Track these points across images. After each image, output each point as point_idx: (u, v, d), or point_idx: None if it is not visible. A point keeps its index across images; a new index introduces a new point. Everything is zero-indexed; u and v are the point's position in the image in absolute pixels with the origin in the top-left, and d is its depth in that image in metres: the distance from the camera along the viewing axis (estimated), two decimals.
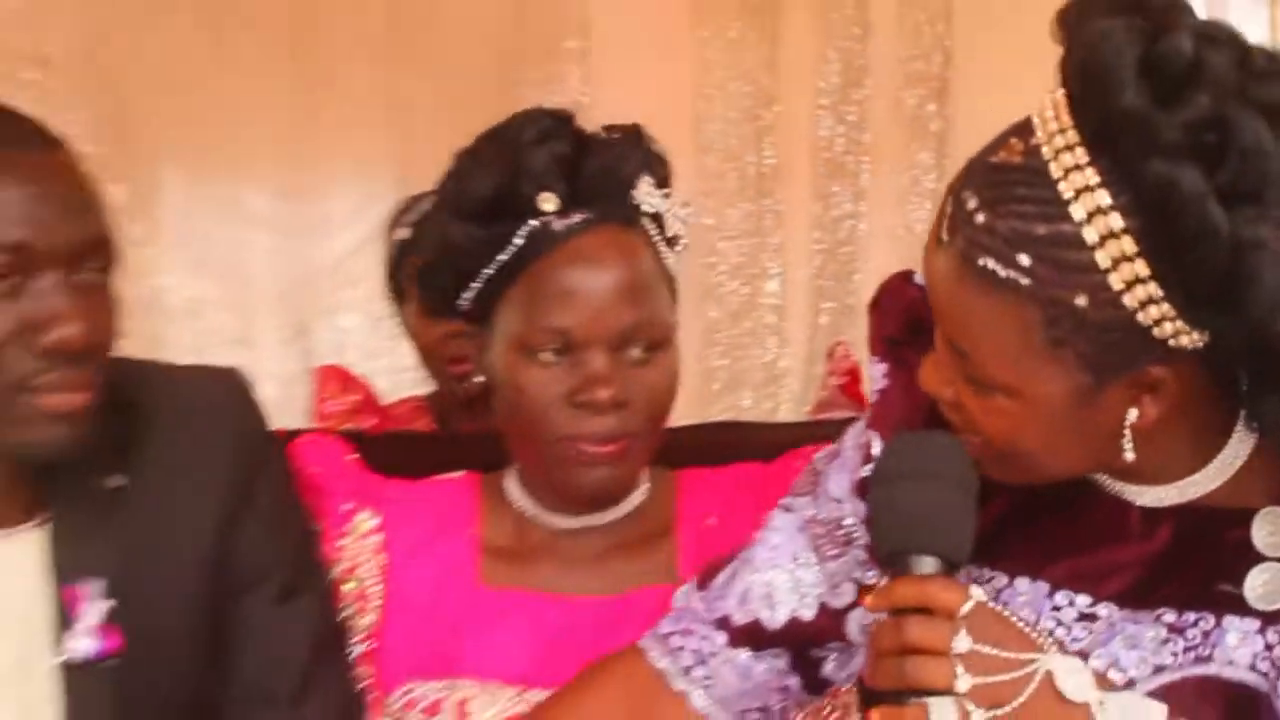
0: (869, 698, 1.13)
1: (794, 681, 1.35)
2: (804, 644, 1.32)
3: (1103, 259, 0.99)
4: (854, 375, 3.25)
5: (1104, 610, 1.16)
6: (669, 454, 1.53)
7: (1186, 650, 1.13)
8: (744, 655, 1.33)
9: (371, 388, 2.92)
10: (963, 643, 1.01)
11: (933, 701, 1.01)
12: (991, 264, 1.02)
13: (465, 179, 1.46)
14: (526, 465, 1.53)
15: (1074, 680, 1.05)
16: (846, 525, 1.34)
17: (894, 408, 1.31)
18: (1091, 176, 0.99)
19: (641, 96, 3.54)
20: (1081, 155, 1.01)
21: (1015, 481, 1.18)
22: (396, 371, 3.63)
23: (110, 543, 1.34)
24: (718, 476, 1.57)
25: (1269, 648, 1.11)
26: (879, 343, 1.36)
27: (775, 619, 1.32)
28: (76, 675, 1.31)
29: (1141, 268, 0.99)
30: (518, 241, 1.39)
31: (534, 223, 1.39)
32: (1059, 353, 1.04)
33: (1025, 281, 1.01)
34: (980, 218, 1.04)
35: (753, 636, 1.32)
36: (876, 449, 1.30)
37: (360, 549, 1.52)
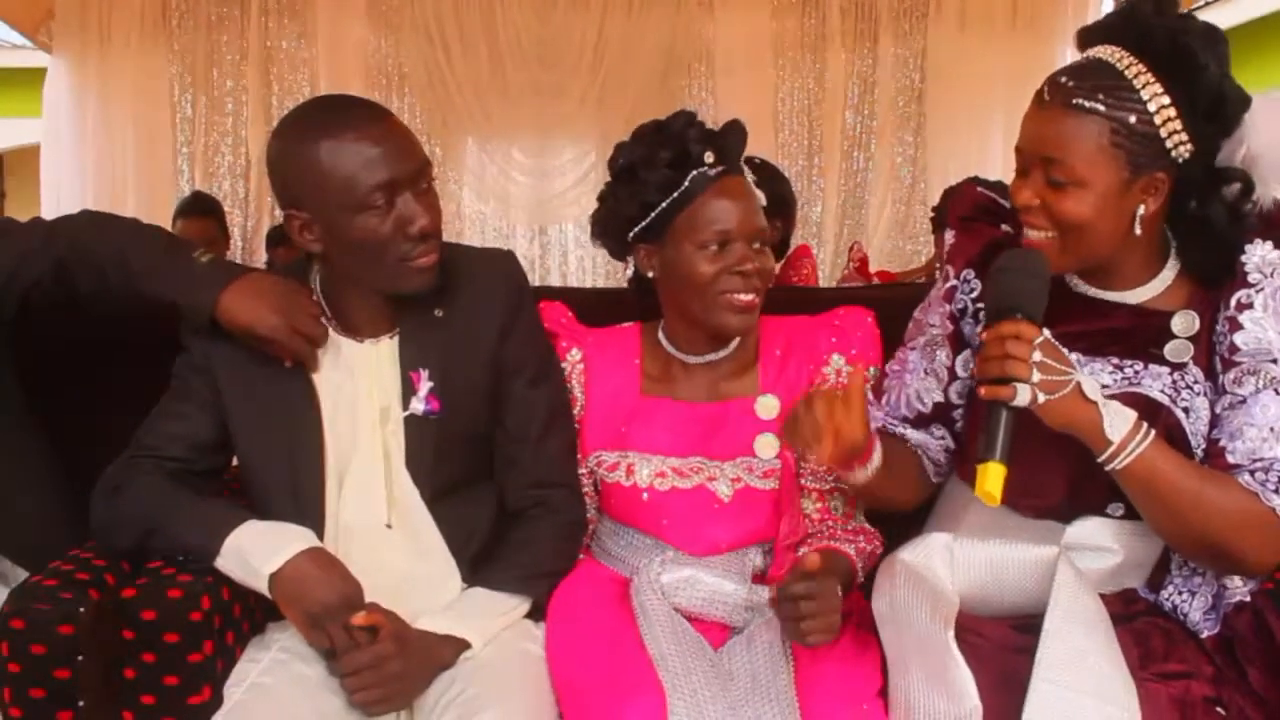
0: (980, 383, 1.50)
1: (950, 442, 1.78)
2: (945, 414, 1.76)
3: (1145, 94, 1.48)
4: (864, 262, 4.83)
5: (1076, 356, 1.55)
6: (770, 307, 1.86)
7: (1123, 379, 1.57)
8: (920, 432, 1.78)
9: None
10: (1036, 355, 1.45)
11: (1019, 386, 1.44)
12: (1083, 101, 1.48)
13: (650, 149, 1.80)
14: (675, 320, 1.87)
15: (1090, 387, 1.47)
16: (937, 339, 1.77)
17: (960, 253, 1.77)
18: (1130, 59, 1.50)
19: (741, 98, 5.27)
20: (1124, 54, 1.50)
21: (1070, 266, 1.59)
22: (589, 256, 5.77)
23: (434, 347, 1.73)
24: (784, 323, 1.91)
25: (1174, 383, 1.56)
26: (954, 220, 1.81)
27: (927, 406, 1.76)
28: (414, 423, 1.72)
29: (1165, 99, 1.47)
30: (687, 183, 1.76)
31: (696, 172, 1.76)
32: (1116, 152, 1.48)
33: (1102, 108, 1.48)
34: (1072, 84, 1.50)
35: (920, 420, 1.77)
36: (951, 276, 1.78)
37: (573, 369, 1.92)
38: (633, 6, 5.41)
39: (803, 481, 1.83)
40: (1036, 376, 1.45)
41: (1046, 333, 1.48)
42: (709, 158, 1.76)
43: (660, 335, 1.92)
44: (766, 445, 1.81)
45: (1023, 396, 1.45)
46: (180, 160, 5.49)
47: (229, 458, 1.81)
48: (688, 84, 5.51)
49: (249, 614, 1.72)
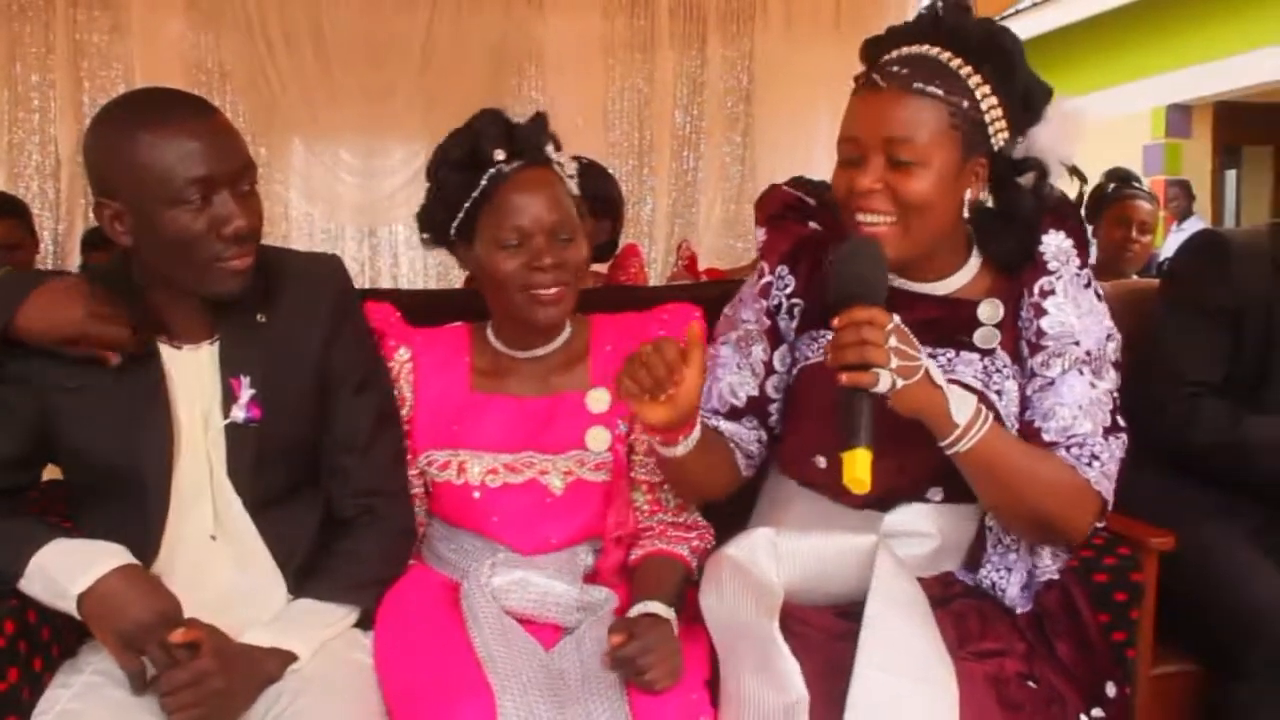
0: (840, 370, 1.47)
1: (763, 434, 1.81)
2: (759, 407, 1.78)
3: (971, 84, 1.58)
4: (692, 260, 4.78)
5: None
6: (584, 305, 1.89)
7: (939, 367, 1.59)
8: (732, 423, 1.80)
9: None
10: (891, 340, 1.46)
11: (880, 372, 1.45)
12: (923, 85, 1.56)
13: (449, 153, 1.81)
14: (499, 318, 1.89)
15: (936, 372, 1.52)
16: (752, 334, 1.80)
17: (772, 249, 1.81)
18: (949, 55, 1.59)
19: (571, 98, 5.20)
20: (943, 52, 1.60)
21: (908, 251, 1.62)
22: (421, 258, 5.64)
23: (256, 354, 1.70)
24: (614, 320, 1.94)
25: (985, 369, 1.65)
26: (763, 218, 1.85)
27: (740, 400, 1.79)
28: (234, 431, 1.68)
29: (987, 88, 1.58)
30: (484, 181, 1.76)
31: (492, 169, 1.75)
32: (954, 134, 1.57)
33: (939, 92, 1.56)
34: (907, 71, 1.57)
35: (734, 413, 1.80)
36: (766, 271, 1.81)
37: (401, 369, 1.90)
38: (461, 6, 5.30)
39: (634, 474, 1.85)
40: (895, 362, 1.46)
41: (896, 319, 1.50)
42: (499, 155, 1.75)
43: (489, 332, 1.92)
44: (598, 438, 1.82)
45: (884, 382, 1.46)
46: None
47: (36, 475, 1.73)
48: (518, 84, 5.42)
49: (59, 637, 1.64)
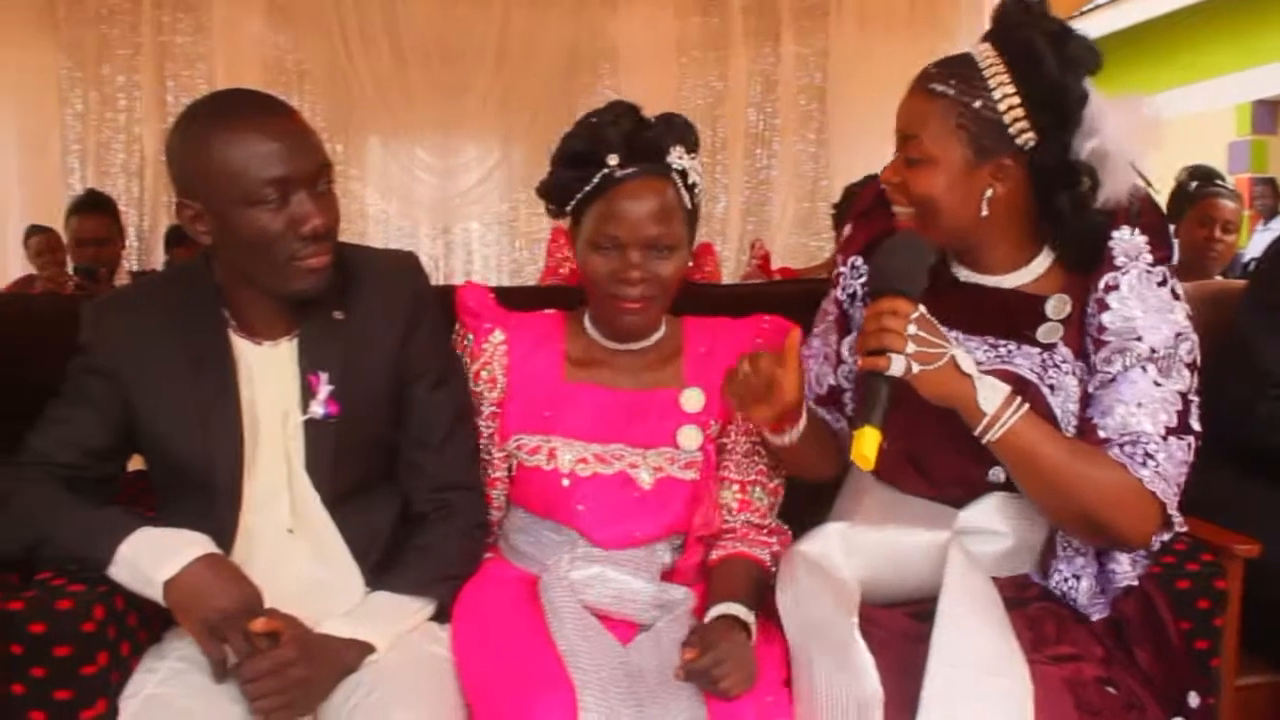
0: (859, 354, 1.57)
1: (844, 424, 1.85)
2: (837, 398, 1.86)
3: (992, 84, 1.59)
4: (765, 258, 4.82)
5: (954, 334, 1.64)
6: (675, 305, 1.90)
7: (996, 357, 1.67)
8: (824, 410, 1.86)
9: None
10: (911, 328, 1.52)
11: (894, 356, 1.52)
12: (936, 85, 1.60)
13: (569, 143, 1.83)
14: (593, 311, 1.90)
15: (965, 361, 1.55)
16: (831, 325, 1.87)
17: (852, 243, 1.87)
18: (991, 53, 1.61)
19: (644, 96, 4.85)
20: (989, 49, 1.62)
21: (936, 241, 1.65)
22: (494, 255, 5.76)
23: (334, 350, 1.73)
24: (707, 323, 1.96)
25: (1042, 362, 1.66)
26: (855, 214, 1.91)
27: (824, 389, 1.86)
28: (313, 427, 1.71)
29: (1010, 89, 1.59)
30: (595, 180, 1.77)
31: (604, 171, 1.76)
32: (960, 134, 1.60)
33: (951, 92, 1.60)
34: (934, 72, 1.62)
35: (820, 402, 1.87)
36: (839, 263, 1.89)
37: (494, 351, 1.90)
38: (535, 4, 5.37)
39: (723, 472, 1.86)
40: (911, 348, 1.52)
41: (922, 308, 1.54)
42: (613, 159, 1.75)
43: (586, 321, 1.92)
44: (689, 437, 1.83)
45: (897, 366, 1.52)
46: (70, 158, 5.33)
47: (123, 464, 1.77)
48: (591, 82, 5.49)
49: (146, 623, 1.68)
